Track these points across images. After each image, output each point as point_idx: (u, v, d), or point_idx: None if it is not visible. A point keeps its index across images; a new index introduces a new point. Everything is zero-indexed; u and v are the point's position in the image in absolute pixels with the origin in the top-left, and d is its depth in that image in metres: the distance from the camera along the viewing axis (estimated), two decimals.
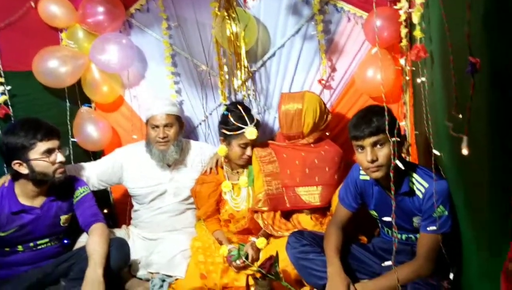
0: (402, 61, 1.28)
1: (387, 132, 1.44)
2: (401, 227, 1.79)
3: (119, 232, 2.41)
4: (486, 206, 0.96)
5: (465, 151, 0.79)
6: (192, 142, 2.48)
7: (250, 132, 2.15)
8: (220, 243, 2.19)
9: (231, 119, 2.19)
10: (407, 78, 2.20)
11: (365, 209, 1.92)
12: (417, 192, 1.63)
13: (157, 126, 2.24)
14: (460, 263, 1.56)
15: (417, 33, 1.48)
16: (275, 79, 2.52)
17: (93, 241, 1.86)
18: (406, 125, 2.31)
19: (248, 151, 2.21)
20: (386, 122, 1.42)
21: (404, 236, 1.81)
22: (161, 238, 2.35)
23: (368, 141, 1.58)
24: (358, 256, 1.92)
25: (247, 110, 2.23)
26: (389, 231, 1.87)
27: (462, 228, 1.48)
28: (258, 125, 2.23)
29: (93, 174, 2.33)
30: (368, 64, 2.23)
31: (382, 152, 1.56)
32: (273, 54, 2.47)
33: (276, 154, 2.26)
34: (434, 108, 1.43)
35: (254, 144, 2.23)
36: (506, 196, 0.74)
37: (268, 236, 2.18)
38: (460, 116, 0.95)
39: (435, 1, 1.13)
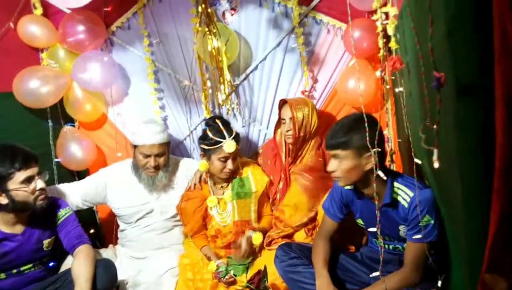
0: (377, 73, 1.30)
1: (351, 147, 1.54)
2: (388, 237, 1.79)
3: (106, 252, 2.37)
4: (461, 217, 0.97)
5: (436, 164, 0.80)
6: (178, 159, 2.47)
7: (228, 146, 2.14)
8: (209, 259, 2.17)
9: (209, 133, 2.19)
10: (388, 87, 2.23)
11: (352, 218, 1.92)
12: (402, 202, 1.63)
13: (149, 155, 2.22)
14: (448, 270, 1.57)
15: (392, 44, 1.51)
16: (259, 92, 2.54)
17: (78, 264, 1.82)
18: (389, 133, 2.34)
19: (229, 165, 2.19)
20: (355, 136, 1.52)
21: (391, 246, 1.82)
22: (149, 256, 2.31)
23: (331, 152, 1.63)
24: (347, 266, 1.92)
25: (226, 124, 2.23)
26: (377, 241, 1.88)
27: (448, 235, 1.49)
28: (238, 138, 2.22)
29: (77, 195, 2.29)
30: (349, 75, 2.26)
31: (340, 166, 1.60)
32: (256, 68, 2.49)
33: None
34: (413, 117, 1.45)
35: (235, 157, 2.22)
36: (480, 209, 0.75)
37: (265, 232, 2.19)
38: (435, 126, 0.97)
39: (407, 13, 1.15)
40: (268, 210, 2.34)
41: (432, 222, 1.54)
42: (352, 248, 2.09)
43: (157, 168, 2.24)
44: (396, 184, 1.65)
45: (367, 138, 1.44)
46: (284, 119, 2.27)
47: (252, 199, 2.25)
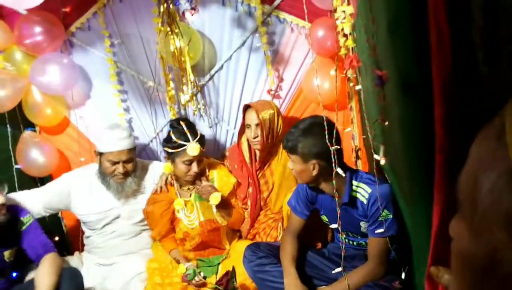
0: (332, 72, 1.32)
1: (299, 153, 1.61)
2: (351, 233, 1.83)
3: (72, 260, 2.30)
4: (412, 211, 0.99)
5: (382, 161, 0.82)
6: (144, 162, 2.42)
7: (192, 149, 2.10)
8: (178, 262, 2.14)
9: (173, 136, 2.15)
10: (351, 84, 2.26)
11: (317, 215, 1.94)
12: (361, 198, 1.66)
13: (116, 162, 2.16)
14: (411, 262, 1.61)
15: (349, 43, 1.53)
16: (225, 92, 2.52)
17: (42, 273, 1.78)
18: (353, 130, 2.38)
19: (194, 168, 2.15)
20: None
21: (355, 242, 1.85)
22: (116, 262, 2.27)
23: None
24: (314, 263, 1.94)
25: (190, 126, 2.19)
26: (346, 239, 1.91)
27: (408, 228, 1.52)
28: (203, 140, 2.18)
29: (38, 202, 2.22)
30: (313, 74, 2.28)
31: (293, 167, 1.68)
32: (221, 67, 2.48)
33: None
34: (370, 114, 1.48)
35: (201, 159, 2.19)
36: (427, 203, 0.77)
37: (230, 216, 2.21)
38: (386, 123, 0.99)
39: (360, 13, 1.17)
40: (236, 206, 2.31)
41: (391, 216, 1.58)
42: (319, 244, 2.11)
43: (126, 174, 2.19)
44: (354, 182, 1.68)
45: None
46: (249, 125, 2.21)
47: None
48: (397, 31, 0.73)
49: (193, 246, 2.21)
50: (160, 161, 2.55)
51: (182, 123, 2.18)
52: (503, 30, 0.71)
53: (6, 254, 1.86)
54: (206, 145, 2.34)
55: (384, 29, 0.76)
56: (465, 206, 0.46)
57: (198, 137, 2.15)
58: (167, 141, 2.17)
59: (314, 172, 1.62)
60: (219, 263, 2.18)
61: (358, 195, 1.67)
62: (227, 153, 2.46)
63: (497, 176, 0.41)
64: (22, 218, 1.90)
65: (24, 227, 1.89)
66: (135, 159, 2.26)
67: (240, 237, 2.33)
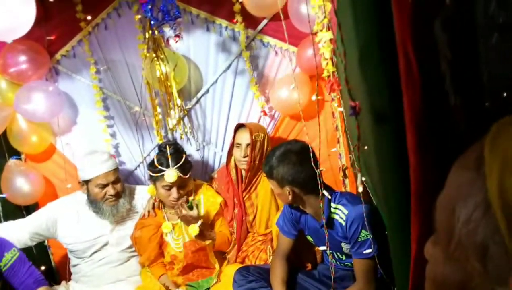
0: (313, 97, 1.35)
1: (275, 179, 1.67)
2: (336, 254, 1.83)
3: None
4: (391, 236, 1.00)
5: (360, 189, 0.83)
6: (131, 187, 2.41)
7: (168, 175, 2.08)
8: (167, 288, 2.12)
9: (155, 160, 2.16)
10: (335, 105, 2.29)
11: (304, 235, 1.95)
12: (340, 220, 1.68)
13: (106, 185, 2.15)
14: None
15: (329, 67, 1.56)
16: (211, 115, 2.54)
17: None
18: (340, 149, 2.40)
19: (174, 194, 2.13)
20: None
21: (342, 264, 1.85)
22: None
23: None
24: (305, 285, 1.93)
25: (176, 151, 2.18)
26: (333, 260, 1.91)
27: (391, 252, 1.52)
28: (184, 167, 2.15)
29: (25, 232, 2.19)
30: (290, 94, 2.31)
31: (273, 189, 1.75)
32: (207, 91, 2.50)
33: None
34: (352, 137, 1.50)
35: (182, 185, 2.16)
36: (404, 231, 0.78)
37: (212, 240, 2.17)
38: (366, 147, 1.00)
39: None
40: (222, 228, 2.27)
41: (370, 236, 1.59)
42: (309, 265, 2.10)
43: (117, 195, 2.18)
44: (333, 204, 1.70)
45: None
46: (239, 144, 2.21)
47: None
48: (367, 63, 0.76)
49: (180, 269, 2.18)
50: (148, 185, 2.54)
51: (168, 147, 2.17)
52: (470, 61, 0.74)
53: None
54: (194, 168, 2.34)
55: (355, 62, 0.79)
56: (442, 231, 0.47)
57: (179, 163, 2.13)
58: (150, 164, 2.19)
59: (290, 197, 1.68)
60: (209, 288, 2.14)
61: (336, 217, 1.69)
62: (215, 175, 2.46)
63: (474, 207, 0.41)
64: (6, 254, 1.81)
65: (10, 263, 1.80)
66: (122, 180, 2.26)
67: (228, 262, 2.31)
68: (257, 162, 2.21)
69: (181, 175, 2.11)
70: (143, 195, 2.37)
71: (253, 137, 2.16)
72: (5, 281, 1.83)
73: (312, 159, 1.49)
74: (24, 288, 1.82)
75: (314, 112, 2.25)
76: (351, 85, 0.79)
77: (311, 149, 1.50)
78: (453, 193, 0.46)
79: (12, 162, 2.44)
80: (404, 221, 0.76)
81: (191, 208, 2.10)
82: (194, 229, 2.08)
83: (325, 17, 1.39)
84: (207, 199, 2.26)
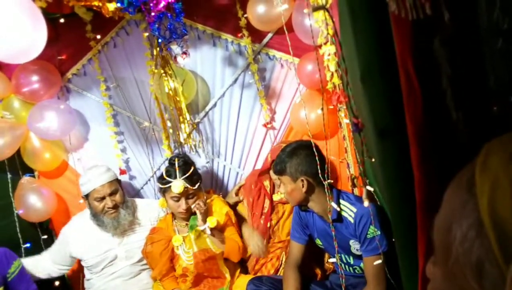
0: (319, 111, 1.38)
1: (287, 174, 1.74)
2: (343, 256, 1.84)
3: None
4: (400, 252, 1.00)
5: (365, 203, 0.84)
6: (138, 200, 2.44)
7: (174, 186, 2.11)
8: None
9: (164, 172, 2.19)
10: (342, 115, 2.31)
11: (316, 246, 1.96)
12: (349, 218, 1.73)
13: (103, 197, 2.20)
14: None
15: (335, 80, 1.59)
16: (220, 128, 2.57)
17: None
18: (348, 158, 2.41)
19: (182, 205, 2.15)
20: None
21: (351, 268, 1.86)
22: None
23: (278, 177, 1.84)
24: None
25: (185, 163, 2.20)
26: (342, 265, 1.91)
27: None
28: (192, 179, 2.17)
29: (49, 262, 2.30)
30: (300, 107, 2.34)
31: (284, 189, 1.80)
32: (215, 105, 2.54)
33: None
34: (358, 148, 1.52)
35: (191, 197, 2.18)
36: (411, 243, 0.79)
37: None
38: (373, 160, 1.02)
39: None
40: (233, 236, 2.24)
41: (379, 233, 1.62)
42: (318, 272, 2.11)
43: (115, 207, 2.21)
44: (341, 201, 1.76)
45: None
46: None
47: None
48: (369, 81, 0.78)
49: (191, 281, 2.19)
50: (158, 199, 2.57)
51: (177, 160, 2.21)
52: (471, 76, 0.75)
53: None
54: (204, 181, 2.36)
55: (357, 80, 0.81)
56: (439, 250, 0.48)
57: (187, 175, 2.15)
58: (159, 177, 2.23)
59: (304, 189, 1.73)
60: None
61: (345, 214, 1.74)
62: (242, 182, 2.48)
63: (468, 227, 0.42)
64: (14, 262, 1.91)
65: (16, 272, 1.89)
66: (122, 191, 2.29)
67: (245, 272, 2.31)
68: None
69: (188, 186, 2.13)
70: (151, 207, 2.40)
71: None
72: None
73: (318, 155, 1.61)
74: None
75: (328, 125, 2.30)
76: (354, 102, 0.81)
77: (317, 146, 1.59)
78: (448, 213, 0.47)
79: (25, 179, 2.49)
80: (411, 235, 0.77)
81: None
82: (212, 221, 2.12)
83: (328, 32, 1.41)
84: (215, 210, 2.28)
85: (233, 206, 2.43)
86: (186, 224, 2.26)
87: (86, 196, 2.23)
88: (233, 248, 2.19)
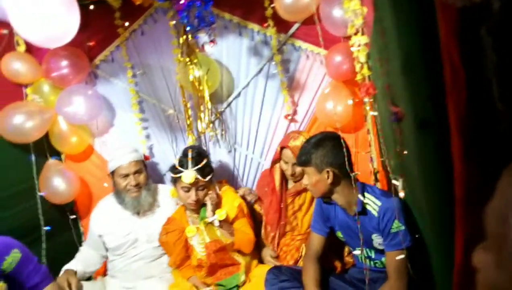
0: (349, 101, 1.36)
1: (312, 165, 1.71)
2: (366, 251, 1.83)
3: (95, 284, 2.34)
4: (432, 243, 0.99)
5: (401, 194, 0.83)
6: (161, 185, 2.47)
7: (185, 176, 2.11)
8: (197, 288, 2.16)
9: (176, 162, 2.21)
10: (368, 108, 2.29)
11: (336, 238, 1.96)
12: (373, 211, 1.71)
13: (127, 175, 2.25)
14: (431, 284, 1.58)
15: (365, 71, 1.57)
16: (242, 118, 2.58)
17: None
18: (371, 152, 2.38)
19: (192, 196, 2.15)
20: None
21: (372, 262, 1.85)
22: (139, 286, 2.30)
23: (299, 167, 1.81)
24: (337, 288, 1.93)
25: (198, 154, 2.20)
26: (362, 258, 1.91)
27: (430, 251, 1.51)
28: (204, 170, 2.16)
29: (91, 251, 2.38)
30: (325, 98, 2.32)
31: (308, 180, 1.77)
32: (238, 94, 2.54)
33: None
34: (387, 141, 1.50)
35: (202, 188, 2.18)
36: (447, 237, 0.78)
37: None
38: (406, 152, 1.01)
39: (374, 47, 1.20)
40: (244, 228, 2.23)
41: (403, 227, 1.61)
42: (338, 266, 2.10)
43: (138, 186, 2.26)
44: (366, 194, 1.74)
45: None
46: (286, 162, 2.23)
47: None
48: (410, 70, 0.77)
49: (206, 271, 2.20)
50: None
51: (190, 151, 2.19)
52: None
53: None
54: (225, 170, 2.36)
55: (398, 69, 0.79)
56: (493, 239, 0.48)
57: (199, 166, 2.14)
58: (171, 166, 2.24)
59: (329, 181, 1.71)
60: (238, 286, 2.16)
61: (369, 207, 1.72)
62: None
63: None
64: (6, 257, 1.68)
65: (11, 267, 1.69)
66: (146, 173, 2.33)
67: (261, 262, 2.32)
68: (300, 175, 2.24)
69: (199, 177, 2.13)
70: (166, 193, 2.42)
71: (291, 144, 2.19)
72: (11, 282, 1.73)
73: (344, 146, 1.59)
74: (32, 287, 1.77)
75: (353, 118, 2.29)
76: (393, 91, 0.80)
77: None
78: (503, 202, 0.46)
79: (51, 162, 2.55)
80: (447, 228, 0.76)
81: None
82: (221, 213, 2.14)
83: (360, 21, 1.40)
84: (226, 202, 2.27)
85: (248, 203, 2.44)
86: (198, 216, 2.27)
87: (112, 174, 2.29)
88: (242, 240, 2.18)
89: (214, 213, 2.16)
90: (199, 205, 2.21)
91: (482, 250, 0.51)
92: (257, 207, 2.45)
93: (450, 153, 0.73)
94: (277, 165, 2.32)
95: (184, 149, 2.27)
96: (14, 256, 1.71)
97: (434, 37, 0.74)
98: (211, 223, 2.17)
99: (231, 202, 2.25)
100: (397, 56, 0.78)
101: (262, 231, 2.37)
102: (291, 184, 2.35)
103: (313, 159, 1.72)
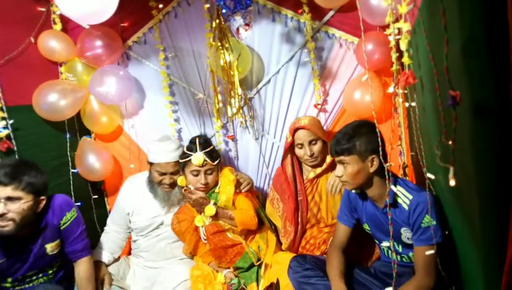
0: (390, 89, 1.33)
1: (355, 153, 1.65)
2: (393, 244, 1.80)
3: (119, 263, 2.39)
4: (479, 236, 0.96)
5: (452, 182, 0.81)
6: None
7: (195, 158, 2.15)
8: (217, 271, 2.20)
9: (184, 148, 2.24)
10: (400, 100, 2.23)
11: (360, 230, 1.93)
12: (403, 205, 1.67)
13: (164, 173, 2.27)
14: (460, 283, 1.55)
15: (405, 60, 1.52)
16: (271, 105, 2.56)
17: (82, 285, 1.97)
18: (401, 146, 2.34)
19: (202, 179, 2.19)
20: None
21: (399, 256, 1.82)
22: (162, 267, 2.35)
23: (336, 159, 1.73)
24: (361, 280, 1.91)
25: (205, 141, 2.24)
26: (388, 252, 1.88)
27: (465, 249, 1.47)
28: (212, 153, 2.21)
29: (114, 233, 2.43)
30: (356, 88, 2.27)
31: (346, 171, 1.70)
32: (268, 81, 2.52)
33: None
34: (427, 132, 1.46)
35: (210, 172, 2.22)
36: (497, 231, 0.74)
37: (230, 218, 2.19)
38: (450, 142, 0.97)
39: (421, 30, 1.16)
40: (243, 205, 2.23)
41: (434, 223, 1.57)
42: (363, 257, 2.08)
43: (172, 185, 2.28)
44: (398, 187, 1.70)
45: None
46: (301, 144, 2.21)
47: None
48: (472, 52, 0.73)
49: (212, 255, 2.24)
50: None
51: (197, 138, 2.24)
52: None
53: (49, 247, 1.91)
54: (252, 158, 2.32)
55: (458, 50, 0.76)
56: None
57: (207, 149, 2.20)
58: (181, 153, 2.26)
59: (372, 169, 1.66)
60: (253, 265, 2.17)
61: (400, 200, 1.68)
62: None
63: None
64: (68, 213, 1.94)
65: (69, 223, 1.95)
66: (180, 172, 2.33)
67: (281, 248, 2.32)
68: (319, 155, 2.22)
69: (208, 160, 2.18)
70: None
71: (304, 123, 2.20)
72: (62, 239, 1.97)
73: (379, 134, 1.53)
74: (72, 251, 1.98)
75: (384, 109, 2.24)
76: (449, 76, 0.77)
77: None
78: None
79: (85, 140, 2.60)
80: (500, 224, 0.73)
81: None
82: (210, 209, 2.14)
83: (405, 7, 1.35)
84: (223, 181, 2.27)
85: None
86: None
87: (150, 163, 2.30)
88: (245, 218, 2.18)
89: (203, 212, 2.18)
90: (208, 190, 2.24)
91: None
92: (270, 207, 2.43)
93: (509, 144, 0.70)
94: (287, 159, 2.32)
95: (192, 138, 2.30)
96: (72, 214, 1.94)
97: (500, 20, 0.70)
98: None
99: (227, 181, 2.26)
100: (458, 38, 0.75)
101: (280, 232, 2.35)
102: (305, 174, 2.33)
103: (357, 146, 1.64)
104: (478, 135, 0.77)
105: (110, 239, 2.40)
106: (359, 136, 1.65)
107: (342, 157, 1.69)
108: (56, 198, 1.94)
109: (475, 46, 0.73)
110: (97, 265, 2.22)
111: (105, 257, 2.31)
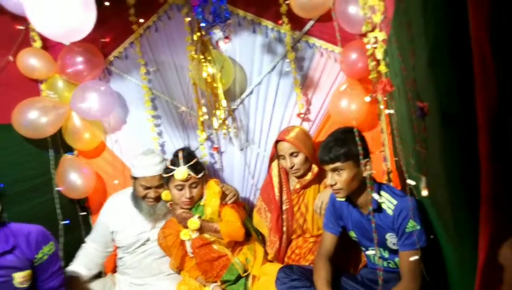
0: (367, 98, 1.34)
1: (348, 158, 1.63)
2: (379, 251, 1.81)
3: (104, 280, 2.36)
4: (454, 242, 0.97)
5: (424, 192, 0.81)
6: None
7: (179, 172, 2.13)
8: (204, 285, 2.18)
9: (167, 163, 2.23)
10: (382, 107, 2.26)
11: (346, 238, 1.93)
12: (388, 210, 1.68)
13: (149, 187, 2.24)
14: (446, 285, 1.56)
15: (382, 68, 1.54)
16: (255, 115, 2.57)
17: None
18: (385, 152, 2.36)
19: (186, 193, 2.17)
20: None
21: (385, 262, 1.83)
22: (148, 283, 2.32)
23: (328, 167, 1.70)
24: (348, 288, 1.91)
25: (188, 154, 2.23)
26: (375, 258, 1.88)
27: (447, 251, 1.48)
28: (196, 167, 2.20)
29: (93, 250, 2.36)
30: (339, 96, 2.30)
31: (341, 178, 1.68)
32: (251, 92, 2.53)
33: None
34: (405, 139, 1.47)
35: (195, 185, 2.20)
36: (470, 235, 0.75)
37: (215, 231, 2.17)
38: (424, 151, 0.98)
39: (393, 40, 1.18)
40: (229, 217, 2.21)
41: (418, 227, 1.58)
42: (349, 265, 2.08)
43: (157, 199, 2.26)
44: (382, 192, 1.71)
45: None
46: (283, 156, 2.22)
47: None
48: (437, 62, 0.74)
49: (200, 271, 2.21)
50: None
51: (180, 152, 2.23)
52: None
53: (17, 277, 1.63)
54: (237, 169, 2.31)
55: (424, 59, 0.77)
56: None
57: (191, 163, 2.18)
58: (164, 168, 2.23)
59: (366, 172, 1.64)
60: (240, 277, 2.15)
61: (384, 206, 1.69)
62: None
63: None
64: (44, 247, 1.70)
65: (43, 258, 1.71)
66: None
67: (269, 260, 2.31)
68: (301, 167, 2.22)
69: (192, 174, 2.16)
70: None
71: (289, 138, 2.19)
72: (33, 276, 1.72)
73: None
74: (49, 288, 1.75)
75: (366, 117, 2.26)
76: (418, 86, 0.78)
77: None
78: None
79: (66, 157, 2.57)
80: (469, 227, 0.74)
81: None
82: (194, 222, 2.12)
83: (379, 16, 1.37)
84: (209, 194, 2.25)
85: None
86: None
87: (134, 177, 2.27)
88: (232, 230, 2.17)
89: (187, 226, 2.16)
90: (193, 204, 2.22)
91: (508, 248, 0.49)
92: (257, 217, 2.42)
93: (476, 150, 0.71)
94: (273, 165, 2.34)
95: (175, 151, 2.29)
96: (50, 249, 1.71)
97: (463, 28, 0.71)
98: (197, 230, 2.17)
99: (212, 194, 2.24)
100: (424, 49, 0.76)
101: (267, 242, 2.34)
102: (292, 184, 2.33)
103: (353, 150, 1.62)
104: (446, 144, 0.78)
105: (88, 255, 2.35)
106: (351, 141, 1.63)
107: (338, 164, 1.67)
108: (31, 230, 1.70)
109: (440, 54, 0.74)
110: (72, 282, 2.17)
111: (83, 272, 2.28)
